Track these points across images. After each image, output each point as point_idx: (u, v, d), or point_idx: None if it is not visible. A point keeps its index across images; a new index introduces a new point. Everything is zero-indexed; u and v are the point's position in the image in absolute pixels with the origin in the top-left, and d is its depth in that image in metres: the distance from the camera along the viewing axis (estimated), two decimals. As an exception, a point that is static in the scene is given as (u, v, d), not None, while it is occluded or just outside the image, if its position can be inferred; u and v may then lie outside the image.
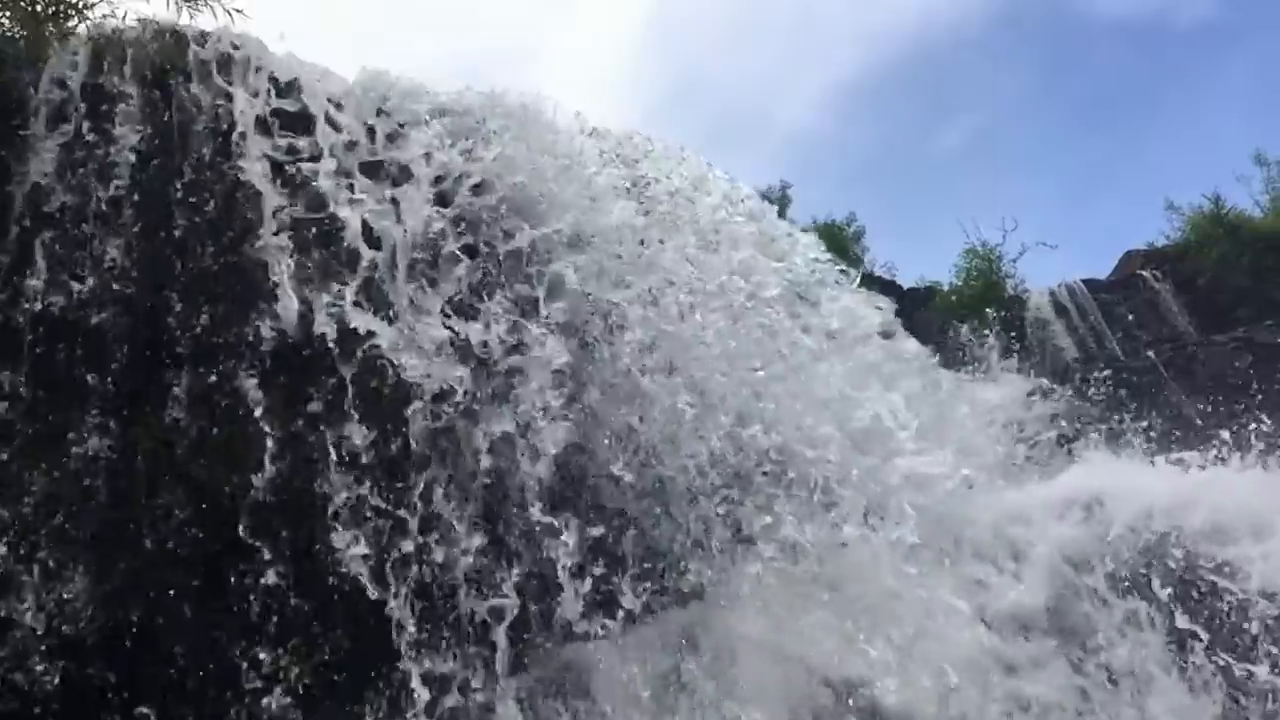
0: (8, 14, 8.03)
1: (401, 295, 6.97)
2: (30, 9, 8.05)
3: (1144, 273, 24.96)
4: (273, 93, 8.20)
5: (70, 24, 8.05)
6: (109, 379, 6.37)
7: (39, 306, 6.53)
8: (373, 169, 8.07)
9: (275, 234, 7.03)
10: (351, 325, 6.64)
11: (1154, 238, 26.79)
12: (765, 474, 6.79)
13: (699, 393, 7.03)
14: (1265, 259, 23.98)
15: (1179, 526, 7.53)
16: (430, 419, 6.41)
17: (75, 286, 6.65)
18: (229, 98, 7.95)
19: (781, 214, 13.22)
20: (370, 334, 6.64)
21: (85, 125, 7.53)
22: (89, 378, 6.34)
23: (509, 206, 8.22)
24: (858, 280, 8.94)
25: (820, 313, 8.38)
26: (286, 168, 7.65)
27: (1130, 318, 23.89)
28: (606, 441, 6.73)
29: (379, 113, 8.68)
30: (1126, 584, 7.06)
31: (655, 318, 7.41)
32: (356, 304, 6.80)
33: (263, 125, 7.87)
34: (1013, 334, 20.44)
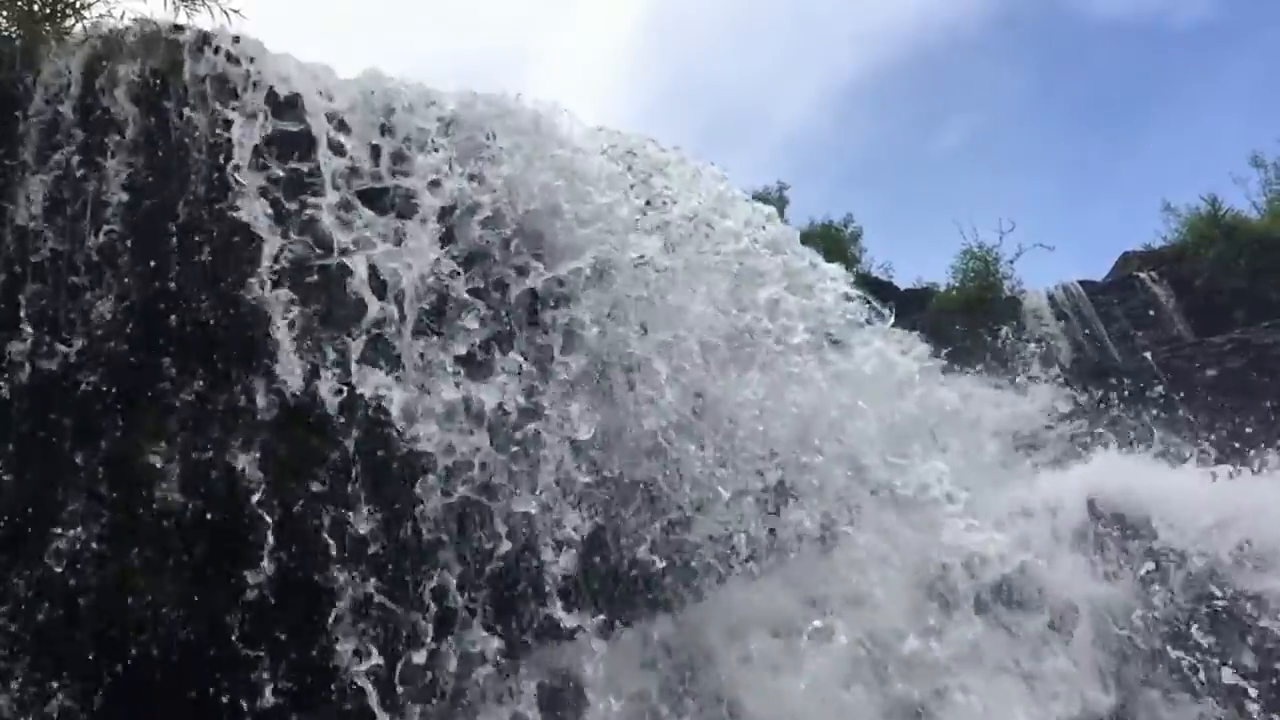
0: (4, 13, 7.43)
1: (411, 351, 6.23)
2: (27, 8, 7.48)
3: (1141, 274, 24.47)
4: (271, 113, 7.43)
5: (67, 23, 7.48)
6: (98, 456, 5.61)
7: (25, 376, 5.75)
8: (376, 198, 7.33)
9: (275, 284, 6.29)
10: (358, 389, 5.91)
11: (1151, 239, 26.22)
12: (807, 550, 6.08)
13: (732, 458, 6.32)
14: (1262, 260, 23.41)
15: (1215, 553, 6.96)
16: (443, 496, 5.69)
17: (63, 349, 5.88)
18: (226, 124, 7.20)
19: (779, 215, 12.50)
20: (378, 397, 5.92)
21: (76, 159, 6.78)
22: (77, 456, 5.58)
23: (521, 240, 7.51)
24: (891, 319, 8.19)
25: (852, 358, 7.63)
26: (287, 203, 6.92)
27: (1128, 319, 23.45)
28: (632, 515, 6.03)
29: (383, 130, 7.92)
30: (1168, 630, 6.48)
31: (682, 371, 6.70)
32: (363, 362, 6.08)
33: (261, 154, 7.11)
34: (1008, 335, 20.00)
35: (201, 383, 5.86)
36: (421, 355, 6.24)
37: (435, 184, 7.51)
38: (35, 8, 7.51)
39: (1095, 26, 58.31)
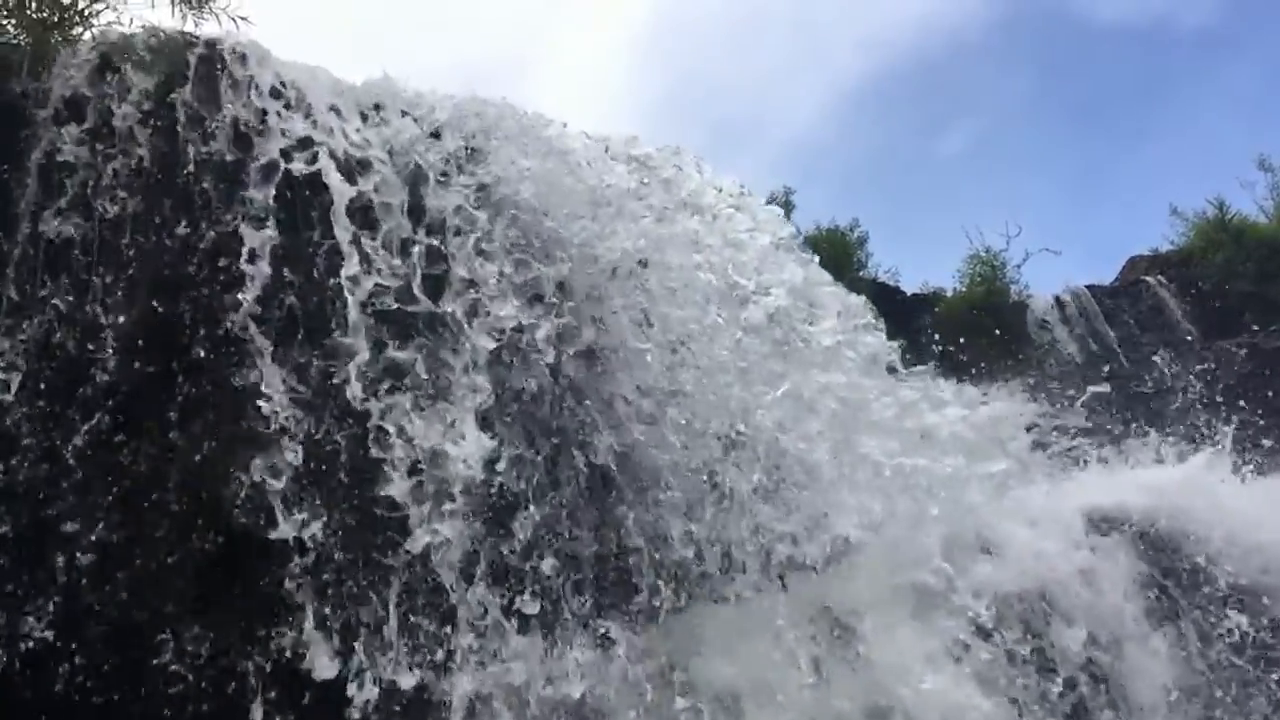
0: (12, 21, 6.74)
1: (471, 606, 4.32)
2: (36, 16, 6.82)
3: (1148, 278, 23.10)
4: (284, 217, 5.39)
5: (75, 31, 6.79)
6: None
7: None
8: (408, 323, 5.34)
9: (295, 508, 4.35)
10: (400, 681, 4.03)
11: (1158, 243, 24.72)
12: None
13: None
14: (1270, 264, 22.07)
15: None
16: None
17: (32, 626, 4.06)
18: (238, 241, 5.16)
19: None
20: (427, 688, 4.05)
21: (62, 304, 4.86)
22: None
23: (586, 381, 5.62)
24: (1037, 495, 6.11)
25: (1004, 555, 5.61)
26: (310, 362, 4.96)
27: (1136, 323, 22.20)
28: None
29: (414, 216, 5.80)
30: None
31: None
32: (403, 631, 4.19)
33: (268, 292, 5.11)
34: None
35: (200, 663, 3.96)
36: (483, 607, 4.34)
37: (476, 307, 5.51)
38: (44, 15, 6.91)
39: (1098, 30, 55.72)
